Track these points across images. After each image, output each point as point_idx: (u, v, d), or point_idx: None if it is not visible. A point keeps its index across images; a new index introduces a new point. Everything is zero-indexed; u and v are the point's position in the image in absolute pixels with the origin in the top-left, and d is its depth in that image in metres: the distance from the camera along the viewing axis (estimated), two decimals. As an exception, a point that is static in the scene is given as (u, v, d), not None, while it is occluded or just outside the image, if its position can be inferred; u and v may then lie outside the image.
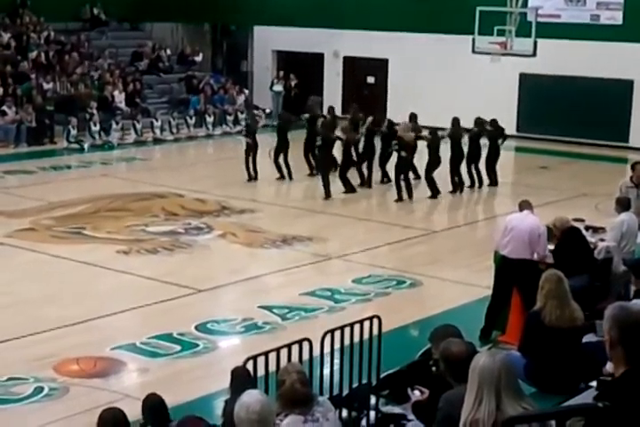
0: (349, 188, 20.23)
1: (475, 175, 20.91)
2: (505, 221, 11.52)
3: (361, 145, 21.31)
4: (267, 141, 22.33)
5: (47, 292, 13.28)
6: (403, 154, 19.53)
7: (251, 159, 21.20)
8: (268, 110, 23.75)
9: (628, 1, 26.41)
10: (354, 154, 21.04)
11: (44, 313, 12.28)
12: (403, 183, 19.58)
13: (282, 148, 21.32)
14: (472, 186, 20.93)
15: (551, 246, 11.41)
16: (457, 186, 20.52)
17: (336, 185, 20.11)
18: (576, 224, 12.16)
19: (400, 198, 19.57)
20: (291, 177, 21.45)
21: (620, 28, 26.60)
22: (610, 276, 11.49)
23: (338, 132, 20.49)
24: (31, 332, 11.53)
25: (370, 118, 21.60)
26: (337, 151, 20.91)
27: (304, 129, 22.26)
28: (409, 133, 19.67)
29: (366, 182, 20.91)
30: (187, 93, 30.79)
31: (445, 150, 20.30)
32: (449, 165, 20.33)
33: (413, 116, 21.16)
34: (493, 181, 21.28)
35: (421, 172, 20.41)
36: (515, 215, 11.59)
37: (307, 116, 22.27)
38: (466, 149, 20.58)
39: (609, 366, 7.56)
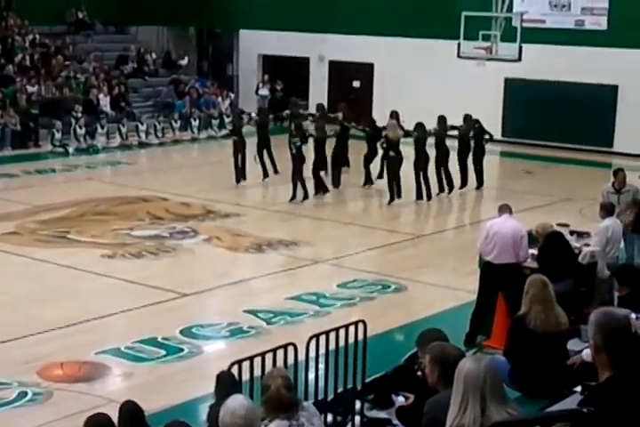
0: (322, 187, 20.25)
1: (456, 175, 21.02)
2: (486, 227, 11.52)
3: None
4: (252, 143, 22.31)
5: (31, 296, 13.23)
6: (391, 153, 19.56)
7: (240, 158, 21.17)
8: (253, 114, 23.75)
9: (613, 6, 26.52)
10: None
11: (28, 317, 12.23)
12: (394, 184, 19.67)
13: (263, 144, 21.35)
14: (463, 185, 21.01)
15: (533, 251, 11.44)
16: (442, 187, 20.57)
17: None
18: (560, 229, 12.22)
19: (392, 199, 19.59)
20: (276, 171, 21.42)
21: (605, 34, 26.70)
22: (594, 281, 11.53)
23: (312, 131, 20.60)
24: (15, 336, 11.49)
25: (340, 115, 21.67)
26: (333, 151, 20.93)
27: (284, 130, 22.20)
28: (396, 131, 19.68)
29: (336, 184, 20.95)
30: (174, 97, 30.73)
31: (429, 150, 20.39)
32: (434, 165, 20.37)
33: (395, 114, 21.22)
34: (479, 182, 21.36)
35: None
36: (495, 220, 11.60)
37: (287, 112, 22.24)
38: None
39: (585, 354, 7.60)
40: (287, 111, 22.38)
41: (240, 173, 21.26)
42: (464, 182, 21.09)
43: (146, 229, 17.22)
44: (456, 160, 20.93)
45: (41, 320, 12.03)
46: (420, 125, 20.23)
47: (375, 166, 21.26)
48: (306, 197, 19.66)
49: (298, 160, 19.61)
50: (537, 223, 11.97)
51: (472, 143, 21.19)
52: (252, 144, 21.70)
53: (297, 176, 19.62)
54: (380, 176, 21.03)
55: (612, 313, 5.05)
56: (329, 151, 21.28)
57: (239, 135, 21.42)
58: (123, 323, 12.47)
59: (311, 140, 20.48)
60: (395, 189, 19.64)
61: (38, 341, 11.41)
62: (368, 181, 21.24)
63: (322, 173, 20.65)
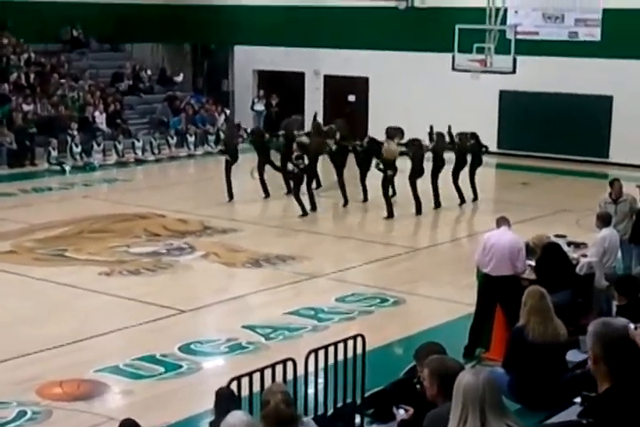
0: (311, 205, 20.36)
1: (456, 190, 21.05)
2: (483, 239, 11.52)
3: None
4: (247, 160, 22.33)
5: (29, 315, 13.21)
6: (389, 173, 19.59)
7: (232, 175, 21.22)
8: (249, 129, 23.76)
9: (606, 17, 26.61)
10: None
11: (26, 336, 12.20)
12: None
13: (260, 164, 21.37)
14: (461, 202, 21.03)
15: (531, 262, 11.45)
16: (439, 201, 20.58)
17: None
18: (557, 240, 12.22)
19: (391, 215, 19.58)
20: (267, 194, 21.46)
21: (599, 45, 26.79)
22: (592, 291, 11.53)
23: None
24: (14, 355, 11.45)
25: (334, 130, 21.73)
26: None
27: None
28: (391, 150, 19.66)
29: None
30: (168, 114, 30.76)
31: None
32: (430, 180, 20.41)
33: (392, 131, 21.19)
34: (474, 196, 21.40)
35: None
36: (493, 233, 11.61)
37: (282, 132, 22.28)
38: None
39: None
40: (282, 132, 22.32)
41: (232, 193, 21.25)
42: (462, 198, 21.12)
43: (143, 246, 17.20)
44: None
45: (39, 339, 11.99)
46: (439, 135, 20.39)
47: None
48: (313, 208, 19.82)
49: (298, 178, 19.77)
50: (534, 235, 11.98)
51: (469, 158, 21.22)
52: (246, 162, 21.72)
53: (297, 193, 19.78)
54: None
55: (611, 323, 5.05)
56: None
57: (232, 152, 21.40)
58: (121, 340, 12.43)
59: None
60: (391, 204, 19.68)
61: (37, 359, 11.38)
62: (365, 195, 21.29)
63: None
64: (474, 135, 21.24)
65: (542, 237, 11.70)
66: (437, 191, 20.55)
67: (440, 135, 20.72)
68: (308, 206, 19.90)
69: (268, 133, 22.86)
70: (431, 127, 21.00)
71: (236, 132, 24.48)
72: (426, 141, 20.57)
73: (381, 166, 19.65)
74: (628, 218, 14.04)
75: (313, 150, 20.60)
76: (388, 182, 19.71)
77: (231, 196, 21.27)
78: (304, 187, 20.14)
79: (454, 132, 21.06)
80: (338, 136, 21.52)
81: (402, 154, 20.01)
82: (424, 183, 20.22)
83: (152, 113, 31.20)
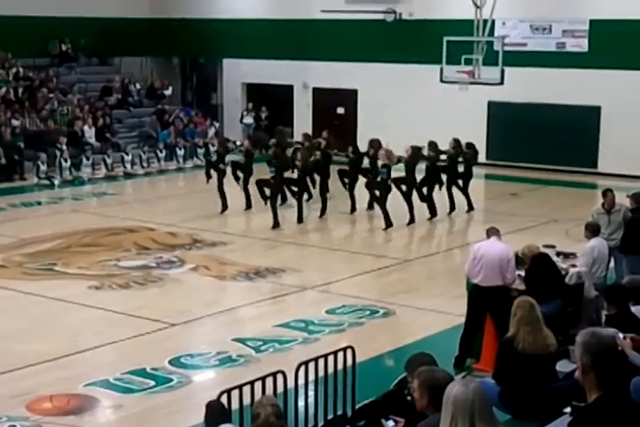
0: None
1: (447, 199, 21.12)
2: (473, 250, 11.54)
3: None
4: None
5: (19, 329, 13.17)
6: (390, 182, 19.64)
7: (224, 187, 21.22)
8: (238, 142, 23.78)
9: (593, 29, 26.74)
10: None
11: (15, 350, 12.16)
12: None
13: (248, 173, 21.39)
14: (452, 211, 21.09)
15: (521, 273, 11.46)
16: (433, 211, 20.62)
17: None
18: (547, 250, 12.22)
19: (390, 224, 19.61)
20: (249, 205, 21.47)
21: (586, 56, 26.92)
22: (581, 301, 11.54)
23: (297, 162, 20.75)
24: (3, 370, 11.41)
25: (323, 141, 21.80)
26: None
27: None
28: (392, 159, 19.76)
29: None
30: (157, 127, 30.79)
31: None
32: (425, 190, 20.45)
33: (376, 143, 21.27)
34: (470, 206, 21.47)
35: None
36: (483, 243, 11.62)
37: (273, 141, 22.32)
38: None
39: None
40: (273, 140, 22.40)
41: (225, 204, 21.27)
42: (453, 207, 21.17)
43: (133, 260, 17.17)
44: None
45: (29, 353, 11.96)
46: (431, 145, 20.61)
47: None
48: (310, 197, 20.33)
49: (273, 186, 20.06)
50: (524, 245, 12.00)
51: (460, 167, 21.33)
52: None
53: (274, 202, 20.03)
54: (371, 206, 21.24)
55: (599, 334, 5.07)
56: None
57: (223, 164, 21.45)
58: (111, 354, 12.40)
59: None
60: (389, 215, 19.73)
61: (26, 374, 11.34)
62: (354, 207, 21.33)
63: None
64: (469, 146, 21.36)
65: (532, 247, 11.73)
66: (433, 201, 20.59)
67: (433, 143, 20.76)
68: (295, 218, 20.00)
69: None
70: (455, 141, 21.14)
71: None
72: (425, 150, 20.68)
73: (386, 176, 19.62)
74: (621, 228, 14.07)
75: (302, 161, 20.64)
76: (385, 190, 19.73)
77: (225, 206, 21.24)
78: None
79: (443, 144, 21.11)
80: (323, 145, 21.67)
81: (399, 161, 20.08)
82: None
83: (141, 127, 31.24)
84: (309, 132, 25.45)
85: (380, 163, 19.92)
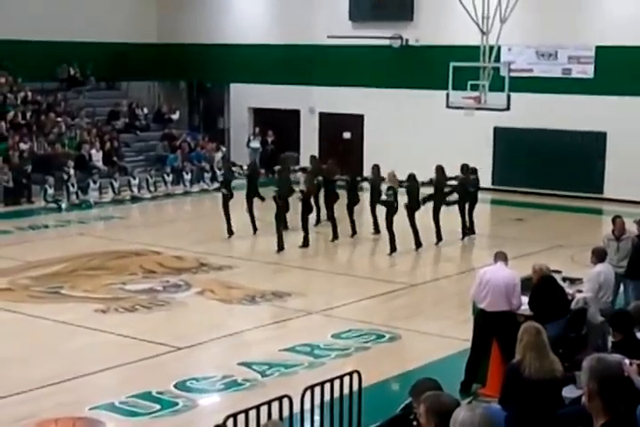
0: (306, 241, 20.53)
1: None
2: (479, 275, 11.55)
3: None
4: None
5: (25, 352, 13.19)
6: (396, 204, 19.70)
7: (230, 211, 21.26)
8: (245, 167, 23.88)
9: (599, 55, 26.85)
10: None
11: (22, 374, 12.17)
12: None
13: (250, 197, 21.43)
14: (464, 235, 21.15)
15: (526, 298, 11.45)
16: (440, 236, 20.65)
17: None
18: (553, 275, 12.21)
19: (394, 249, 19.66)
20: (255, 230, 21.51)
21: (592, 82, 27.00)
22: (584, 326, 11.52)
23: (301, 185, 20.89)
24: (9, 393, 11.41)
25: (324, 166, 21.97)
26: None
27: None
28: (396, 183, 19.86)
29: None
30: (165, 151, 30.90)
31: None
32: (431, 215, 20.50)
33: (376, 168, 21.43)
34: (472, 230, 21.50)
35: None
36: (489, 268, 11.64)
37: (278, 167, 22.42)
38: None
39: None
40: (278, 167, 22.51)
41: (231, 229, 21.31)
42: (465, 231, 21.21)
43: (139, 283, 17.20)
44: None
45: (35, 376, 11.96)
46: (439, 169, 20.70)
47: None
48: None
49: (279, 210, 20.14)
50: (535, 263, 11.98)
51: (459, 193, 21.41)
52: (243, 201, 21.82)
53: (279, 226, 20.16)
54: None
55: (605, 359, 5.07)
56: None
57: (228, 188, 21.51)
58: (116, 378, 12.41)
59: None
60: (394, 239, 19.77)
61: (32, 397, 11.34)
62: (354, 230, 21.42)
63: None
64: (474, 171, 21.46)
65: (543, 267, 11.71)
66: (439, 226, 20.63)
67: (440, 168, 20.86)
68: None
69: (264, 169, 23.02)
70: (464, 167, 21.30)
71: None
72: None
73: (392, 198, 19.68)
74: (631, 255, 14.06)
75: (306, 186, 20.77)
76: (392, 214, 19.78)
77: (231, 232, 21.30)
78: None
79: (449, 169, 21.17)
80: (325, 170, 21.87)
81: (400, 186, 20.16)
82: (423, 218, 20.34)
83: (148, 151, 31.35)
84: (316, 155, 25.53)
85: (384, 186, 20.03)
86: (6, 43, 29.64)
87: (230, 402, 10.82)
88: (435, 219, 20.63)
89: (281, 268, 18.85)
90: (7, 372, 12.35)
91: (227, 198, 21.36)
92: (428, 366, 12.34)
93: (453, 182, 21.25)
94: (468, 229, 21.40)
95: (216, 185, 27.26)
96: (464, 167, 21.26)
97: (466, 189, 21.25)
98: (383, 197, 20.17)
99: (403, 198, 20.08)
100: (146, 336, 13.87)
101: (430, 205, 20.63)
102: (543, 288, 11.31)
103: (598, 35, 26.78)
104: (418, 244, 20.11)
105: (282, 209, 20.38)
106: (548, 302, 11.07)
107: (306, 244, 20.35)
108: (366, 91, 30.18)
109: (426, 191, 20.72)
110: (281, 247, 19.84)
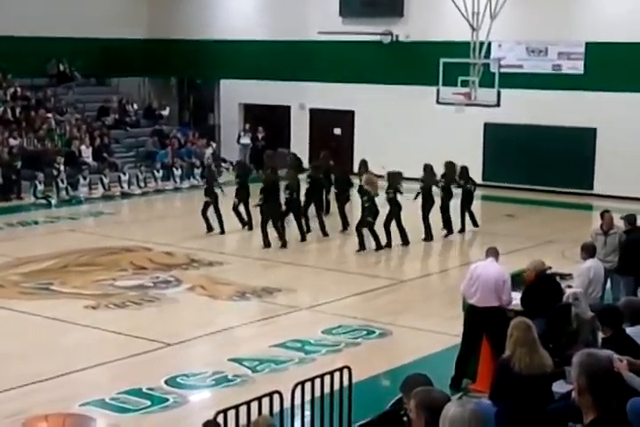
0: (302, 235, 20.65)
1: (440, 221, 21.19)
2: (470, 270, 11.57)
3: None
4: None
5: (15, 348, 13.16)
6: (373, 208, 19.62)
7: (213, 211, 21.19)
8: (234, 163, 23.86)
9: (589, 51, 26.88)
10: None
11: (11, 370, 12.15)
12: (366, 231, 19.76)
13: (241, 196, 21.37)
14: (449, 233, 21.16)
15: (517, 294, 11.46)
16: (429, 234, 20.65)
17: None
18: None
19: (363, 248, 19.66)
20: (250, 226, 21.46)
21: (582, 77, 27.04)
22: (571, 321, 11.53)
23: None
24: (-1, 389, 11.42)
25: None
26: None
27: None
28: (375, 187, 19.69)
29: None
30: (158, 148, 30.85)
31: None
32: (420, 213, 20.51)
33: (364, 164, 21.45)
34: (475, 223, 21.72)
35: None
36: (479, 264, 11.66)
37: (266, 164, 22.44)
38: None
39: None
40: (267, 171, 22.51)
41: (210, 225, 21.23)
42: (450, 230, 21.24)
43: (129, 280, 17.18)
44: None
45: (25, 373, 11.94)
46: (427, 167, 20.67)
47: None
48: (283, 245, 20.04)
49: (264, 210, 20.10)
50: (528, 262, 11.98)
51: (455, 190, 21.39)
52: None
53: (275, 224, 20.10)
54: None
55: (595, 355, 5.08)
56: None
57: (211, 192, 21.41)
58: (107, 374, 12.39)
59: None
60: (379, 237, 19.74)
61: (22, 393, 11.32)
62: (345, 225, 21.41)
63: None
64: (463, 169, 21.47)
65: (539, 263, 11.72)
66: (429, 223, 20.63)
67: (428, 166, 20.82)
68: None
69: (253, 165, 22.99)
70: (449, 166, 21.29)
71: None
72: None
73: (367, 204, 19.56)
74: (617, 251, 14.10)
75: (290, 184, 20.70)
76: (368, 215, 19.74)
77: (222, 229, 21.27)
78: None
79: (440, 165, 21.16)
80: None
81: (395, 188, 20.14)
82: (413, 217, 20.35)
83: (138, 147, 31.30)
84: (306, 152, 25.59)
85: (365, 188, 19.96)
86: (-5, 39, 29.59)
87: (221, 398, 10.82)
88: (423, 217, 20.61)
89: (271, 264, 18.85)
90: (-3, 368, 12.34)
91: (208, 204, 21.21)
92: (419, 362, 12.36)
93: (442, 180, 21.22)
94: (467, 224, 21.48)
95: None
96: (427, 168, 21.05)
97: (450, 187, 21.22)
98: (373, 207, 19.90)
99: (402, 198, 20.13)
100: (136, 332, 13.85)
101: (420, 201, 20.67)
102: (539, 285, 11.31)
103: (588, 31, 26.80)
104: (429, 236, 20.38)
105: (270, 207, 20.29)
106: (542, 299, 11.06)
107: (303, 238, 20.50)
108: (357, 87, 30.18)
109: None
110: (267, 244, 19.83)
